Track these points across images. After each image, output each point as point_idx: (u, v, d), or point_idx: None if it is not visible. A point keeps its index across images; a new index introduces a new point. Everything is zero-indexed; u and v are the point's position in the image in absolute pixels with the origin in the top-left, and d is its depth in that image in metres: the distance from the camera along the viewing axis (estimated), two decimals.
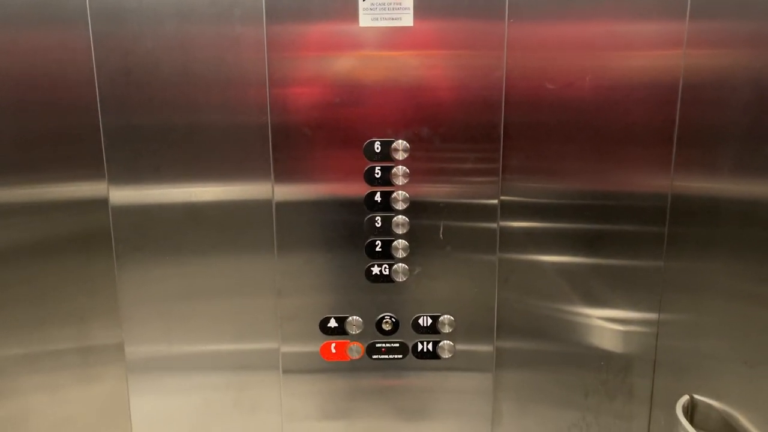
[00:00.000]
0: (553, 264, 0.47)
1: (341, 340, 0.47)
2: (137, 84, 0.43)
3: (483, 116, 0.44)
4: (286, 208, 0.45)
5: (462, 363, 0.48)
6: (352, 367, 0.48)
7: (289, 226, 0.46)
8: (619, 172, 0.45)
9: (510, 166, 0.45)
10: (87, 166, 0.44)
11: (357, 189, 0.45)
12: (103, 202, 0.44)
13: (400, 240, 0.46)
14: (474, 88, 0.44)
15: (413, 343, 0.48)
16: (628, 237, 0.46)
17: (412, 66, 0.44)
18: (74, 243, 0.45)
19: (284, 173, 0.45)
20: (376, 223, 0.46)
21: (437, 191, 0.46)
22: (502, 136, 0.44)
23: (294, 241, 0.46)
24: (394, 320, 0.47)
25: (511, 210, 0.45)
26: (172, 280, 0.47)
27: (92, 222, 0.44)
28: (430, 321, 0.47)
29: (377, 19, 0.43)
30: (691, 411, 0.44)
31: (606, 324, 0.48)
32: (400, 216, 0.45)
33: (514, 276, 0.47)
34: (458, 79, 0.44)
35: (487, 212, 0.45)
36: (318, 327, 0.47)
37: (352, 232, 0.46)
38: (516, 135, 0.44)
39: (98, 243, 0.44)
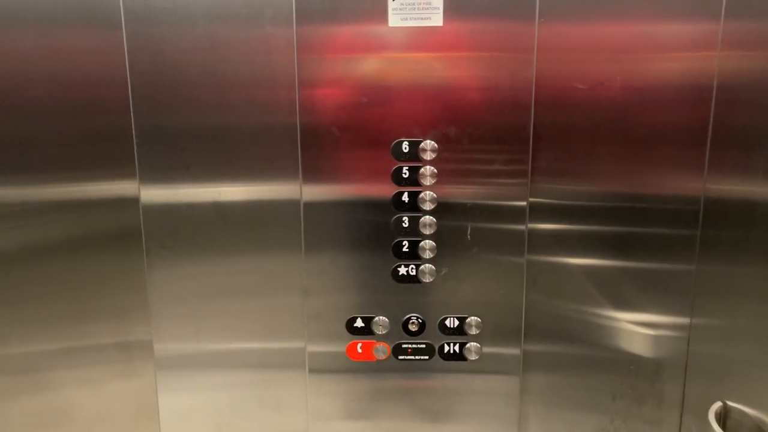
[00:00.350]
0: (582, 267, 0.46)
1: (367, 340, 0.47)
2: (168, 84, 0.44)
3: (512, 117, 0.44)
4: (313, 208, 0.46)
5: (489, 365, 0.48)
6: (377, 368, 0.48)
7: (317, 225, 0.46)
8: (651, 175, 0.45)
9: (539, 167, 0.44)
10: (119, 165, 0.44)
11: (384, 189, 0.45)
12: (134, 201, 0.45)
13: (427, 240, 0.46)
14: (503, 89, 0.43)
15: (440, 344, 0.47)
16: (659, 240, 0.45)
17: (441, 67, 0.44)
18: (109, 241, 0.46)
19: (312, 173, 0.45)
20: (404, 224, 0.46)
21: (465, 192, 0.45)
22: (531, 137, 0.44)
23: (321, 241, 0.46)
24: (420, 321, 0.47)
25: (540, 212, 0.45)
26: (200, 278, 0.47)
27: (125, 220, 0.45)
28: (456, 322, 0.47)
29: (407, 19, 0.43)
30: (723, 418, 0.43)
31: (636, 328, 0.47)
32: (427, 216, 0.45)
33: (543, 278, 0.46)
34: (487, 79, 0.44)
35: (516, 214, 0.45)
36: (344, 327, 0.47)
37: (379, 233, 0.46)
38: (545, 136, 0.44)
39: (131, 241, 0.45)
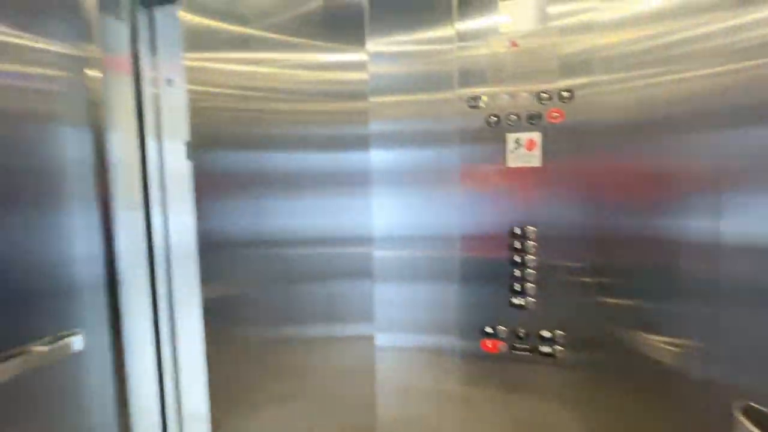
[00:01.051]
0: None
1: (494, 339, 0.82)
2: None
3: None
4: (467, 261, 0.83)
5: (569, 361, 0.78)
6: (499, 357, 0.83)
7: (469, 272, 0.84)
8: None
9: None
10: None
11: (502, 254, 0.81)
12: None
13: (530, 284, 0.80)
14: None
15: (538, 347, 0.80)
16: None
17: (537, 195, 0.79)
18: None
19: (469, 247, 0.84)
20: (516, 274, 0.81)
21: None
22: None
23: (472, 279, 0.84)
24: (525, 333, 0.80)
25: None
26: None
27: None
28: (549, 334, 0.79)
29: (518, 162, 0.81)
30: None
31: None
32: (531, 272, 0.80)
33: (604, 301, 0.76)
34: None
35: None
36: (480, 332, 0.83)
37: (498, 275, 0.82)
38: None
39: None
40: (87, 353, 1.09)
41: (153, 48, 1.30)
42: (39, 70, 1.01)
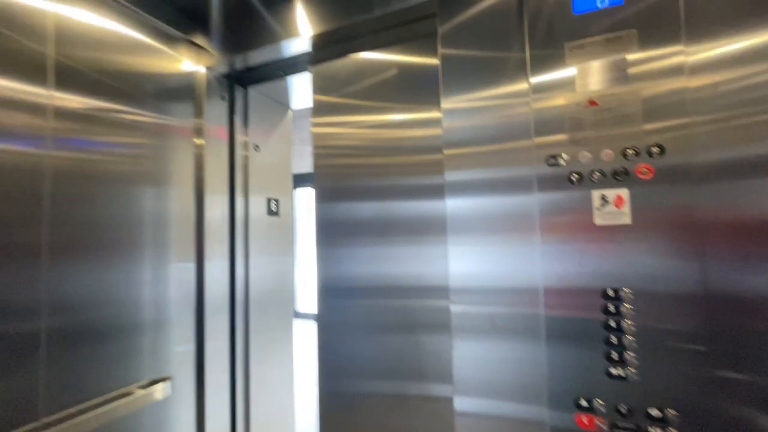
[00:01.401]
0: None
1: (590, 414, 0.74)
2: None
3: None
4: (555, 322, 0.79)
5: None
6: None
7: (557, 325, 0.78)
8: None
9: None
10: None
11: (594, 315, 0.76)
12: None
13: (630, 353, 0.72)
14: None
15: (648, 428, 0.70)
16: None
17: (627, 253, 0.75)
18: None
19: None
20: (612, 340, 0.74)
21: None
22: None
23: (560, 339, 0.78)
24: (627, 409, 0.72)
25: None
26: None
27: None
28: (659, 413, 0.70)
29: (606, 220, 0.77)
30: None
31: None
32: (629, 338, 0.73)
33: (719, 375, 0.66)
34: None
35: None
36: (573, 404, 0.76)
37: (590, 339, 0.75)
38: None
39: None
40: (173, 399, 1.16)
41: (245, 119, 1.48)
42: (162, 141, 1.19)
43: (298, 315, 6.00)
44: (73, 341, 0.91)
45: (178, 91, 1.22)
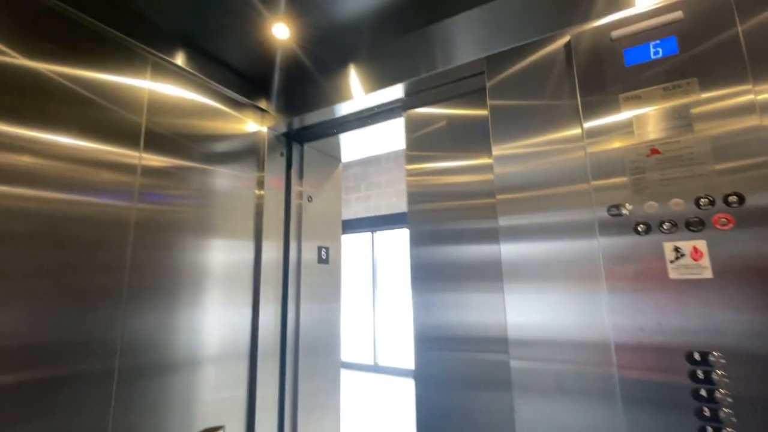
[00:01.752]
0: None
1: None
2: None
3: None
4: (632, 385, 0.71)
5: None
6: None
7: (633, 389, 0.71)
8: None
9: None
10: None
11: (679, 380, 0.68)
12: None
13: (729, 429, 0.63)
14: None
15: None
16: None
17: (707, 312, 0.68)
18: None
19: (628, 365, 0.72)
20: (705, 413, 0.65)
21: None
22: None
23: (639, 405, 0.70)
24: None
25: None
26: None
27: None
28: None
29: (683, 273, 0.71)
30: None
31: None
32: (726, 411, 0.64)
33: None
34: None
35: None
36: None
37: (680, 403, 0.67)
38: None
39: None
40: None
41: (300, 172, 1.57)
42: (228, 193, 1.30)
43: (343, 365, 5.88)
44: (141, 382, 0.96)
45: (243, 149, 1.34)
